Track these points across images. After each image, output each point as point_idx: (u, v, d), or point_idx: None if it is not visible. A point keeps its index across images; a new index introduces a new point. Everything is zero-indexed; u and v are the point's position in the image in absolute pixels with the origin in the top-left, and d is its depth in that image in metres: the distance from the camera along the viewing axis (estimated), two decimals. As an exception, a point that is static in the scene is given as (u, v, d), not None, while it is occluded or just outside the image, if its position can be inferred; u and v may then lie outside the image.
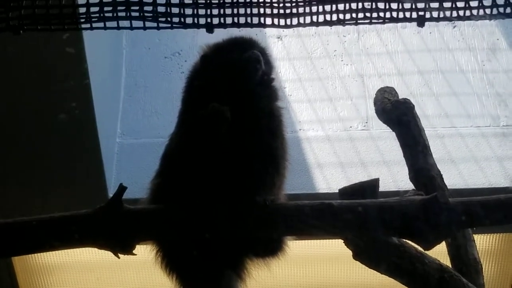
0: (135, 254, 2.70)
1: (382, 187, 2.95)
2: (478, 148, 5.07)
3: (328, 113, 5.26)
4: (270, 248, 2.89)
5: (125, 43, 5.39)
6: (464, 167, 4.96)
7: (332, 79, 5.37)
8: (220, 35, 2.82)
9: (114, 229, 2.67)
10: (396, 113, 3.47)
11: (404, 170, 3.42)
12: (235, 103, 2.72)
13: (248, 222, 2.69)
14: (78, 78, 4.27)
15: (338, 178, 4.93)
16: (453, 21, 5.03)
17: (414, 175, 3.35)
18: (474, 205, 2.70)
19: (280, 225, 2.70)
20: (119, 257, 2.72)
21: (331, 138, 5.15)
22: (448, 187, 3.32)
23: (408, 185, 3.37)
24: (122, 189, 2.67)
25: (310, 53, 5.47)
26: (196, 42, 5.22)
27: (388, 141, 4.93)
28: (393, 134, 3.52)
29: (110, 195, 4.53)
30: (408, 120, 3.44)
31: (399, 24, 5.38)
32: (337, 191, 2.93)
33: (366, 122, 5.18)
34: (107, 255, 2.73)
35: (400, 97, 3.59)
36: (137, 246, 2.73)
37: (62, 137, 4.55)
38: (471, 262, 3.25)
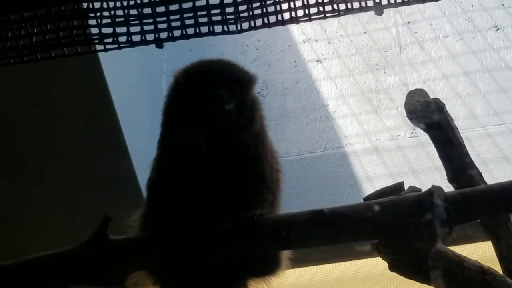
0: (126, 287, 2.61)
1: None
2: (532, 144, 4.93)
3: (374, 125, 5.22)
4: (267, 265, 2.80)
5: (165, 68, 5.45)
6: (519, 164, 4.84)
7: (376, 91, 5.34)
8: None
9: (102, 262, 2.58)
10: (426, 114, 3.38)
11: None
12: (210, 129, 2.68)
13: (235, 240, 2.59)
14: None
15: (389, 189, 4.86)
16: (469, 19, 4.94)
17: (452, 176, 3.25)
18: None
19: (268, 239, 2.60)
20: None
21: (379, 149, 5.11)
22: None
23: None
24: (106, 220, 2.61)
25: (351, 70, 5.45)
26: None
27: (437, 146, 4.85)
28: (442, 138, 3.43)
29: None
30: (439, 120, 3.35)
31: (441, 34, 5.36)
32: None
33: (414, 129, 5.08)
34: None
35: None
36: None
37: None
38: (519, 262, 3.08)
